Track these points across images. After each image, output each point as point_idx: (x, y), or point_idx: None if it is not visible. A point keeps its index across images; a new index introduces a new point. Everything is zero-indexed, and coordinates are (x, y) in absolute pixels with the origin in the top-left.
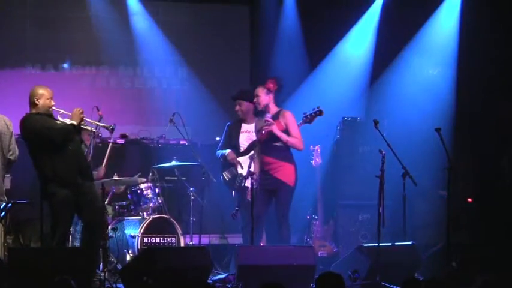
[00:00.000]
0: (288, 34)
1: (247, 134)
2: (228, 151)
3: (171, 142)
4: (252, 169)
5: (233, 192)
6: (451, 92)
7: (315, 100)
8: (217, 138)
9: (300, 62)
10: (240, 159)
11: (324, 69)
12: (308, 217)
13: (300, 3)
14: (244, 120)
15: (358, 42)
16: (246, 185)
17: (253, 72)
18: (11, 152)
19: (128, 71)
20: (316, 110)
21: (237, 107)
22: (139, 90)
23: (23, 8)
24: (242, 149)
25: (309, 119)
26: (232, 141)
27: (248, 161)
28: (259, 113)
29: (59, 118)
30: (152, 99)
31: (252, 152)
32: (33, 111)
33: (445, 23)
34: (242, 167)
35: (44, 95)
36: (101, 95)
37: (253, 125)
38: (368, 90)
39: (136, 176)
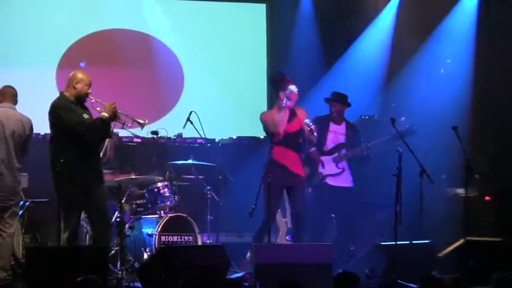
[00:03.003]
0: (304, 32)
1: (334, 134)
2: (312, 149)
3: (188, 141)
4: (324, 169)
5: (309, 188)
6: (468, 90)
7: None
8: (234, 137)
9: (317, 59)
10: (322, 158)
11: (341, 68)
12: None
13: (316, 1)
14: (334, 120)
15: (375, 40)
16: (330, 183)
17: (270, 70)
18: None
19: (144, 69)
20: (409, 128)
21: (333, 108)
22: (156, 89)
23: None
24: (326, 148)
25: (399, 136)
26: (318, 137)
27: (331, 161)
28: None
29: (93, 107)
30: (169, 98)
31: (336, 154)
32: (67, 94)
33: (461, 21)
34: (324, 167)
35: (83, 80)
36: (118, 93)
37: (341, 126)
38: (385, 89)
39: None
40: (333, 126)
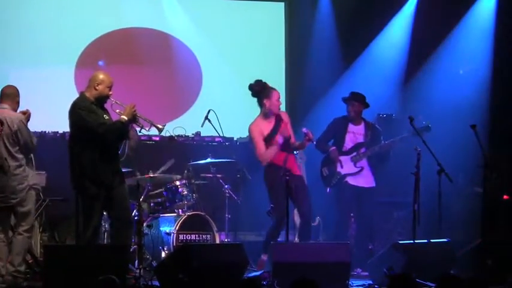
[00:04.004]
0: (322, 31)
1: (352, 135)
2: (332, 148)
3: (206, 139)
4: (342, 169)
5: (328, 189)
6: (487, 88)
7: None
8: None
9: (335, 58)
10: (341, 158)
11: (359, 66)
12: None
13: (335, 0)
14: (352, 121)
15: (393, 38)
16: (351, 182)
17: (289, 69)
18: (17, 148)
19: (162, 68)
20: (426, 125)
21: (349, 108)
22: (174, 88)
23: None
24: (345, 148)
25: (416, 133)
26: (336, 138)
27: (349, 161)
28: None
29: (113, 108)
30: (187, 97)
31: (355, 153)
32: (88, 94)
33: (480, 20)
34: (342, 166)
35: (104, 82)
36: (136, 92)
37: (359, 126)
38: (403, 87)
39: (168, 163)
40: (351, 127)
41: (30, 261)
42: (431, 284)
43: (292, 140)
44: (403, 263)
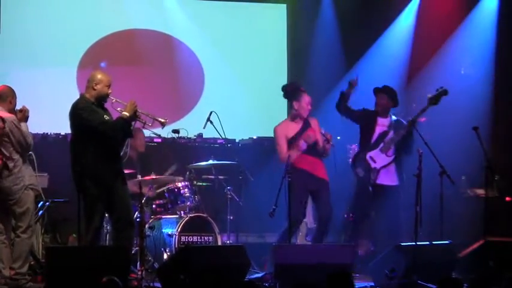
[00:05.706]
0: (325, 32)
1: (381, 128)
2: (353, 145)
3: (208, 141)
4: (376, 163)
5: (370, 188)
6: (489, 90)
7: (352, 98)
8: (254, 137)
9: (338, 59)
10: (371, 153)
11: (361, 68)
12: (346, 216)
13: (337, 1)
14: (380, 114)
15: (396, 40)
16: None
17: (291, 70)
18: (11, 149)
19: (165, 70)
20: (441, 90)
21: (378, 100)
22: (176, 89)
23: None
24: (373, 141)
25: (434, 100)
26: (365, 127)
27: (379, 153)
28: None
29: (114, 107)
30: (189, 98)
31: (382, 144)
32: (87, 95)
33: (483, 21)
34: (375, 161)
35: (102, 81)
36: (138, 94)
37: (387, 119)
38: (405, 88)
39: (172, 167)
40: (380, 120)
41: (32, 263)
42: (432, 286)
43: (320, 145)
44: (405, 265)
